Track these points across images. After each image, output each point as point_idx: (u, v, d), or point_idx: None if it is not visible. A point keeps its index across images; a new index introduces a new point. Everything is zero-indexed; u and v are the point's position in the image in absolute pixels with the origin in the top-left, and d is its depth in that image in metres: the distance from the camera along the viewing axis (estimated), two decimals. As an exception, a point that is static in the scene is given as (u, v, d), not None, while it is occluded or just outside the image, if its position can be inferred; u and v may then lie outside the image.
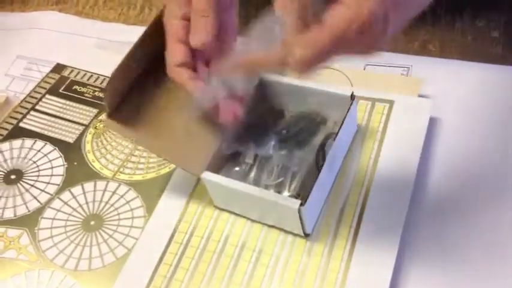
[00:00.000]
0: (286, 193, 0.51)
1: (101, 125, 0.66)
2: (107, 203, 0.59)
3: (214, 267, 0.51)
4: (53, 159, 0.63)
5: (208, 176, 0.51)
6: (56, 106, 0.69)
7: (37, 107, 0.69)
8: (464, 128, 0.57)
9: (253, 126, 0.56)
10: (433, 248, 0.50)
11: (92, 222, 0.57)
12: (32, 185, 0.61)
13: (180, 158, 0.52)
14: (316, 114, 0.57)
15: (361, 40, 0.34)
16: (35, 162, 0.63)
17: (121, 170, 0.61)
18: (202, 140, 0.52)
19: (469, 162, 0.55)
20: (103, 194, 0.59)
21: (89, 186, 0.60)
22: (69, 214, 0.58)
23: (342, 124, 0.52)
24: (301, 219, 0.48)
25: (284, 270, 0.49)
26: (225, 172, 0.54)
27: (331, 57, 0.35)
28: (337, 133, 0.51)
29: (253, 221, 0.53)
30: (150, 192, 0.59)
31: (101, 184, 0.60)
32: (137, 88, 0.53)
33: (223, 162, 0.55)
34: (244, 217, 0.53)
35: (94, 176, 0.61)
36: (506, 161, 0.54)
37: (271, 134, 0.55)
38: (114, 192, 0.59)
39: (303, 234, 0.51)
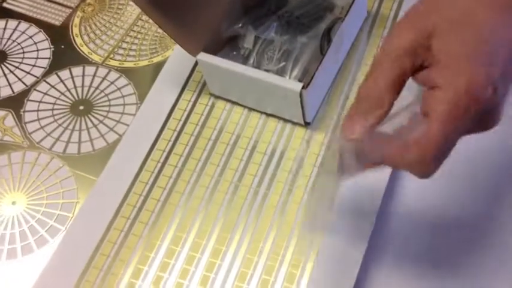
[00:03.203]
0: (287, 78, 0.48)
1: (89, 9, 0.61)
2: (96, 88, 0.55)
3: (209, 154, 0.49)
4: (39, 42, 0.59)
5: (204, 58, 0.48)
6: (41, -13, 0.64)
7: (21, -12, 0.64)
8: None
9: (254, 8, 0.52)
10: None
11: (81, 107, 0.54)
12: (17, 67, 0.57)
13: (179, 34, 0.47)
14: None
15: (475, 120, 0.29)
16: (19, 43, 0.59)
17: (111, 56, 0.58)
18: (202, 17, 0.48)
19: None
20: (92, 80, 0.56)
21: (77, 70, 0.57)
22: (57, 98, 0.55)
23: (350, 7, 0.48)
24: (302, 104, 0.45)
25: (281, 158, 0.47)
26: (221, 56, 0.50)
27: (450, 148, 0.29)
28: (345, 17, 0.48)
29: (250, 109, 0.50)
30: (142, 79, 0.56)
31: (90, 69, 0.57)
32: None
33: (220, 47, 0.51)
34: (241, 105, 0.51)
35: (82, 60, 0.57)
36: None
37: (272, 16, 0.51)
38: (104, 78, 0.56)
39: (303, 123, 0.48)
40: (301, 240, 0.43)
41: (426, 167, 0.30)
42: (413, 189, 0.46)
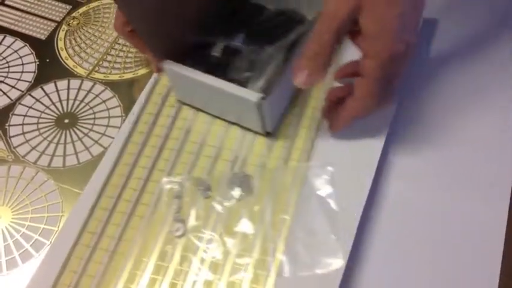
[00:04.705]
0: (251, 88, 0.49)
1: (75, 22, 0.62)
2: (81, 101, 0.56)
3: (173, 163, 0.49)
4: (24, 56, 0.60)
5: (169, 65, 0.48)
6: (26, 1, 0.64)
7: (6, 2, 0.64)
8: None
9: (225, 18, 0.52)
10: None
11: (66, 120, 0.55)
12: (2, 81, 0.58)
13: (146, 40, 0.47)
14: (294, 13, 0.53)
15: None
16: (4, 58, 0.60)
17: (96, 69, 0.58)
18: (166, 25, 0.48)
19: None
20: (77, 93, 0.57)
21: (62, 84, 0.57)
22: (42, 111, 0.55)
23: (315, 21, 0.49)
24: (261, 115, 0.46)
25: (243, 165, 0.48)
26: (190, 64, 0.50)
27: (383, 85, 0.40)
28: (310, 30, 0.48)
29: (214, 117, 0.51)
30: (127, 92, 0.56)
31: (75, 82, 0.57)
32: None
33: (189, 55, 0.51)
34: (206, 113, 0.51)
35: (68, 73, 0.58)
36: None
37: (242, 27, 0.51)
38: (89, 91, 0.57)
39: (263, 133, 0.49)
40: (266, 240, 0.44)
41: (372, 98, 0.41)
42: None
